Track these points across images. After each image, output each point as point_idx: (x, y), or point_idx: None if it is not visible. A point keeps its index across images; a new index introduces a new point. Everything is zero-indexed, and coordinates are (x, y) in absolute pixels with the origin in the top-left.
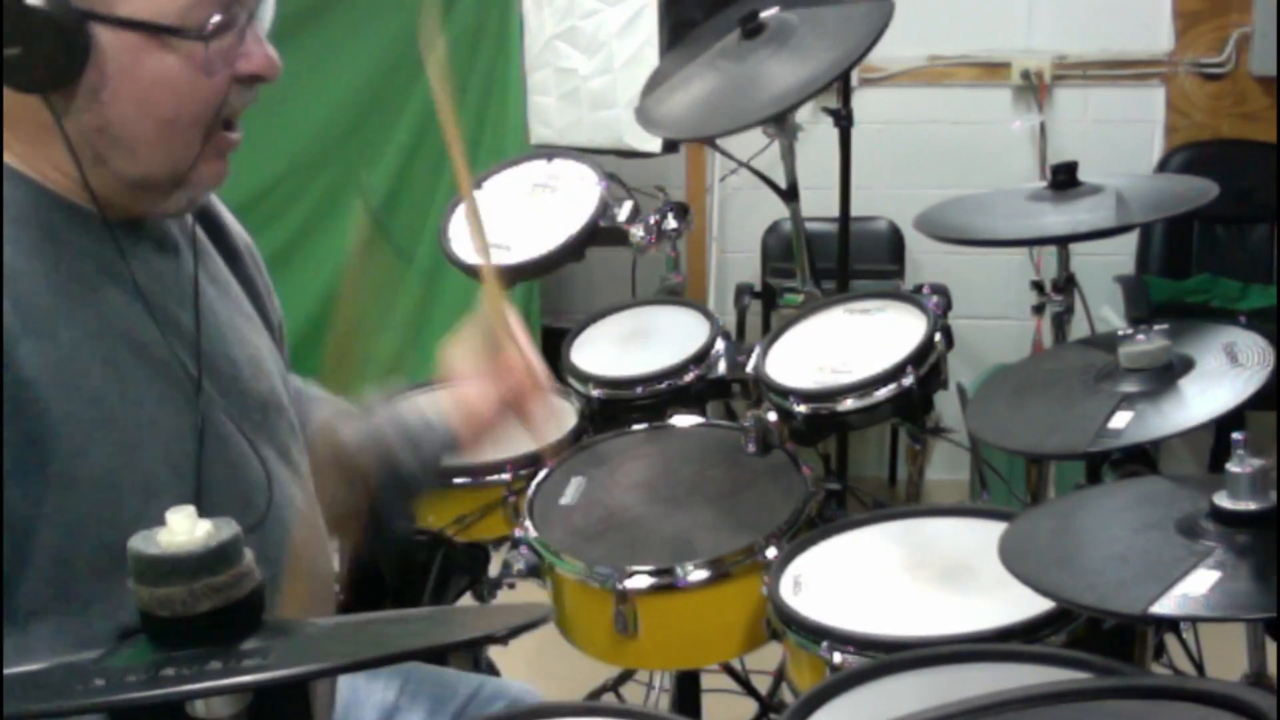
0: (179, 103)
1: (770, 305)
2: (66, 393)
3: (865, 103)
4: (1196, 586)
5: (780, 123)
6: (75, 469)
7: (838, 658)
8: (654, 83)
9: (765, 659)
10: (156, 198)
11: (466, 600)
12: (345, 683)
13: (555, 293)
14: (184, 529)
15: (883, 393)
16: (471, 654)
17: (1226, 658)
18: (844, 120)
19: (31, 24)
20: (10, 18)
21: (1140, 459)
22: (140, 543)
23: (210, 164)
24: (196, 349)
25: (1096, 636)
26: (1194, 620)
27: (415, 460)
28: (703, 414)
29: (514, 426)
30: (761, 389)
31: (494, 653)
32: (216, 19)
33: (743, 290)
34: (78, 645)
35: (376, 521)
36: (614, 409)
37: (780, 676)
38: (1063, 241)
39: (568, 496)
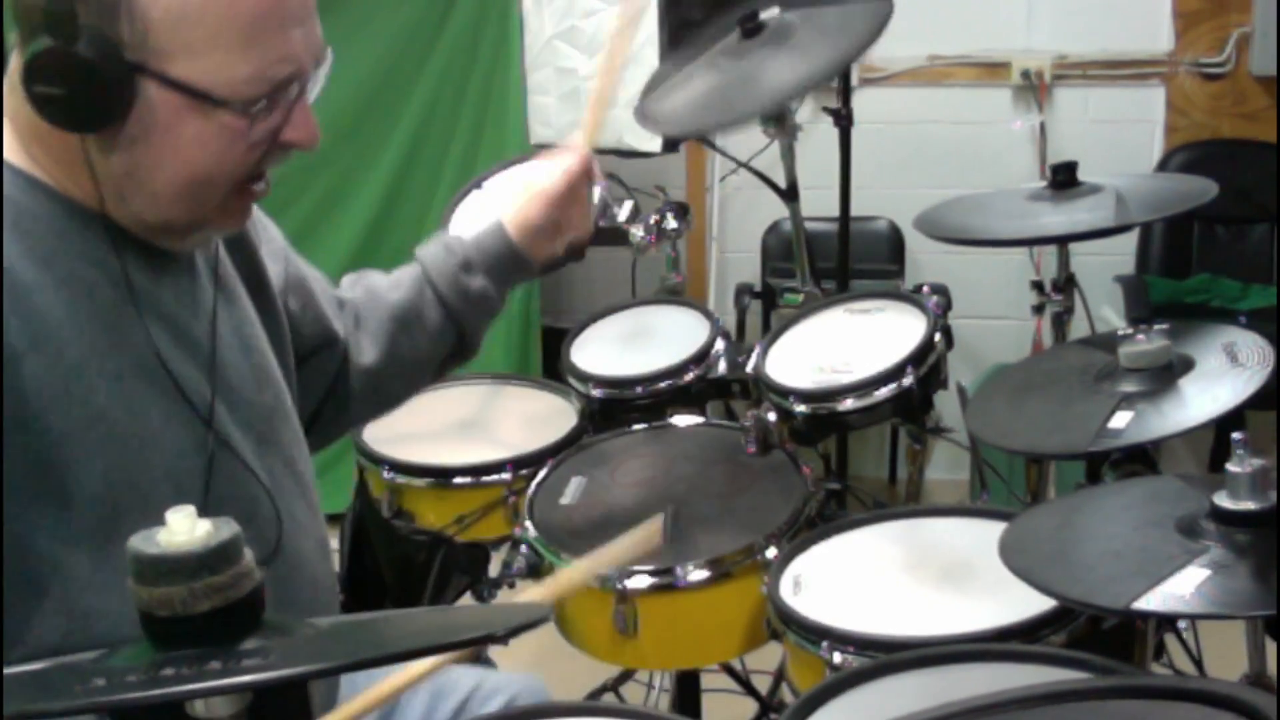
0: (213, 165)
1: (770, 305)
2: (67, 409)
3: (865, 102)
4: (1185, 584)
5: (780, 122)
6: (71, 486)
7: (838, 658)
8: (654, 83)
9: (765, 659)
10: (172, 238)
11: (466, 600)
12: (344, 678)
13: (555, 293)
14: (184, 528)
15: (883, 393)
16: (471, 654)
17: (1226, 658)
18: (844, 120)
19: (78, 68)
20: (59, 60)
21: (1140, 459)
22: (140, 542)
23: (232, 213)
24: (210, 365)
25: (1096, 636)
26: (1176, 617)
27: (459, 259)
28: (703, 414)
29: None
30: (761, 389)
31: (494, 653)
32: (266, 98)
33: (743, 290)
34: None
35: (466, 343)
36: (614, 409)
37: (780, 676)
38: (1062, 241)
39: (568, 496)
